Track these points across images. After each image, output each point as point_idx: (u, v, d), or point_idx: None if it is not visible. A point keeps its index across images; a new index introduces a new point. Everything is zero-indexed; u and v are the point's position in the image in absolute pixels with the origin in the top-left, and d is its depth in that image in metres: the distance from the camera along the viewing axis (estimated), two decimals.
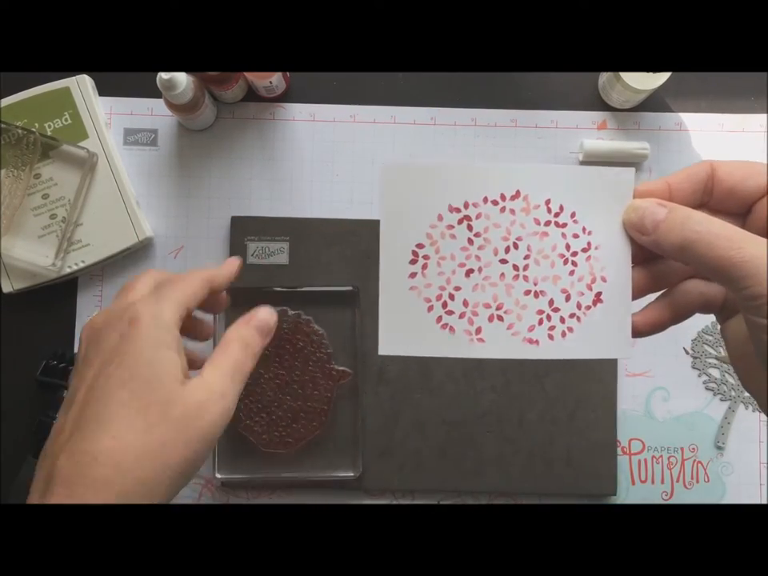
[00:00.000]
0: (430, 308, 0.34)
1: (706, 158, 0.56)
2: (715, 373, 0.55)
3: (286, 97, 0.57)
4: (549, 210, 0.34)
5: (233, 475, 0.53)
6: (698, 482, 0.54)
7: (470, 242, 0.34)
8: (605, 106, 0.56)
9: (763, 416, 0.55)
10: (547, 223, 0.34)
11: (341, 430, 0.53)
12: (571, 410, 0.53)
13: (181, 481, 0.35)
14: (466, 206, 0.34)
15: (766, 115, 0.56)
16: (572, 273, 0.34)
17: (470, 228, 0.34)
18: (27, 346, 0.55)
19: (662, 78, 0.52)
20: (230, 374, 0.37)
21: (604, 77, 0.55)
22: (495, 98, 0.57)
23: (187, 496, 0.54)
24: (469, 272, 0.34)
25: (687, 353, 0.55)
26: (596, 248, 0.34)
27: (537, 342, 0.34)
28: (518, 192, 0.34)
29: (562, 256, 0.34)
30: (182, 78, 0.50)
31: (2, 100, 0.53)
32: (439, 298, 0.34)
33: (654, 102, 0.56)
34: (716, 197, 0.34)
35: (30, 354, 0.55)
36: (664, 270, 0.35)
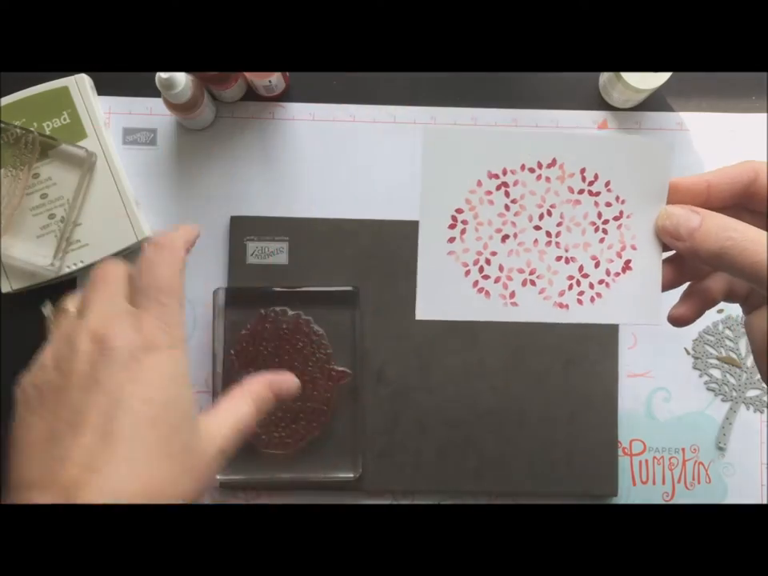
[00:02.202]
0: (467, 272, 0.35)
1: (706, 157, 0.56)
2: (716, 373, 0.55)
3: (285, 96, 0.57)
4: (583, 179, 0.35)
5: (232, 476, 0.53)
6: (699, 482, 0.54)
7: (507, 208, 0.35)
8: (605, 106, 0.56)
9: (764, 416, 0.55)
10: (581, 191, 0.35)
11: (340, 430, 0.53)
12: (572, 411, 0.53)
13: None
14: (504, 172, 0.35)
15: (766, 115, 0.56)
16: (602, 240, 0.35)
17: (507, 194, 0.35)
18: (26, 346, 0.55)
19: (663, 77, 0.52)
20: (234, 429, 0.36)
21: (605, 76, 0.55)
22: (495, 97, 0.57)
23: None
24: (504, 237, 0.35)
25: (688, 353, 0.55)
26: (628, 216, 0.35)
27: (567, 306, 0.35)
28: (554, 160, 0.35)
29: (593, 224, 0.35)
30: (180, 78, 0.49)
31: (1, 99, 0.53)
32: (476, 262, 0.35)
33: (654, 102, 0.56)
34: (756, 201, 0.34)
35: (30, 354, 0.54)
36: (691, 264, 0.36)
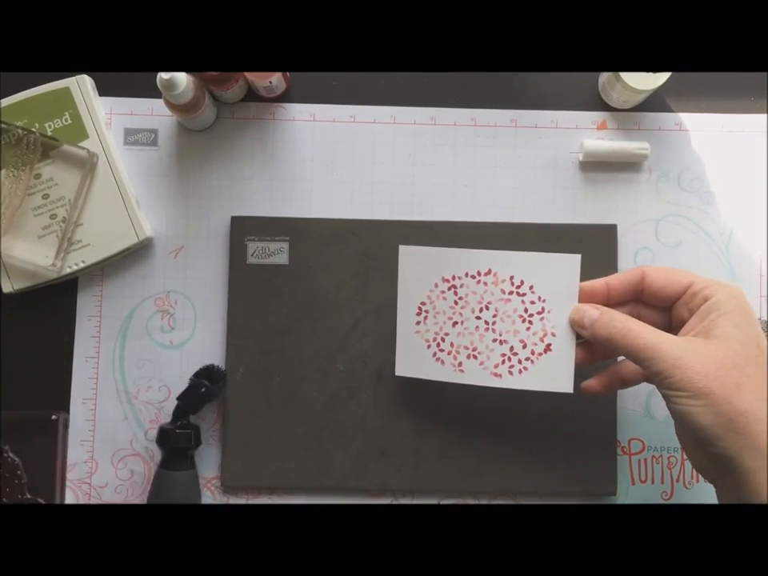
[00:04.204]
0: (428, 346, 0.48)
1: (705, 158, 0.56)
2: None
3: (286, 97, 0.57)
4: (512, 284, 0.46)
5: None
6: (698, 481, 0.54)
7: (456, 302, 0.48)
8: (605, 106, 0.56)
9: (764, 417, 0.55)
10: (510, 293, 0.46)
11: (342, 430, 0.53)
12: (571, 410, 0.53)
13: None
14: (454, 278, 0.48)
15: (766, 115, 0.56)
16: (528, 329, 0.46)
17: (455, 293, 0.48)
18: (27, 346, 0.55)
19: (662, 78, 0.52)
20: None
21: (604, 77, 0.55)
22: (495, 97, 0.57)
23: None
24: (454, 323, 0.48)
25: None
26: (548, 311, 0.46)
27: (500, 375, 0.47)
28: (489, 270, 0.47)
29: (521, 316, 0.46)
30: (182, 78, 0.50)
31: (2, 100, 0.53)
32: (435, 339, 0.48)
33: (654, 102, 0.56)
34: (645, 296, 0.45)
35: (30, 354, 0.55)
36: (599, 348, 0.46)
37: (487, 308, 0.47)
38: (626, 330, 0.41)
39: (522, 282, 0.46)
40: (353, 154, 0.56)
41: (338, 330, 0.54)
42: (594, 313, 0.43)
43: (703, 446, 0.39)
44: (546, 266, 0.45)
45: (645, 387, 0.54)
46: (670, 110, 0.56)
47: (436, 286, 0.48)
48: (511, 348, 0.46)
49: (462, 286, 0.47)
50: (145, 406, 0.54)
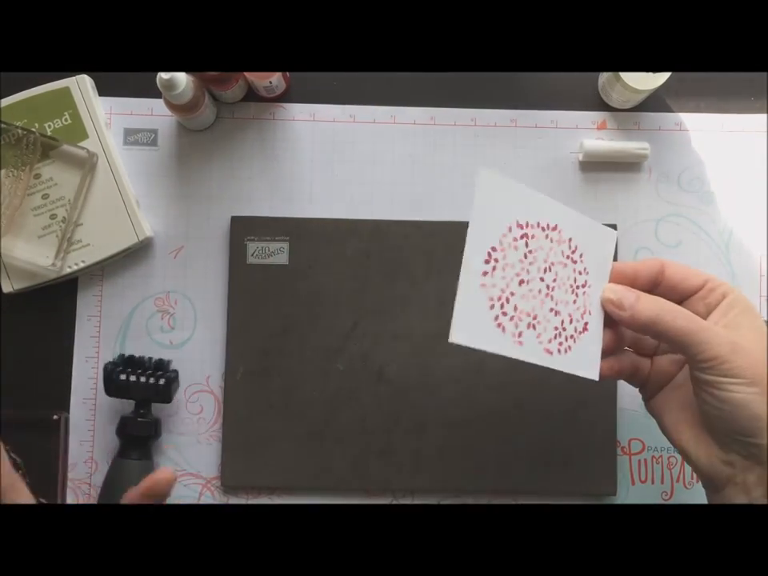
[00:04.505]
0: (492, 306, 0.37)
1: (705, 158, 0.56)
2: None
3: (286, 97, 0.57)
4: (569, 247, 0.40)
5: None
6: (698, 481, 0.54)
7: (525, 256, 0.39)
8: (605, 106, 0.56)
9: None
10: (567, 257, 0.40)
11: (342, 430, 0.53)
12: (571, 410, 0.53)
13: None
14: (527, 225, 0.39)
15: (766, 115, 0.56)
16: (575, 302, 0.41)
17: (526, 245, 0.39)
18: (27, 346, 0.55)
19: (662, 78, 0.52)
20: None
21: (604, 77, 0.55)
22: (495, 97, 0.57)
23: (187, 496, 0.54)
24: (521, 282, 0.38)
25: None
26: (589, 286, 0.41)
27: (551, 352, 0.40)
28: (556, 226, 0.40)
29: (572, 287, 0.40)
30: (181, 78, 0.50)
31: (2, 100, 0.53)
32: (499, 299, 0.38)
33: (653, 102, 0.56)
34: (662, 287, 0.43)
35: (30, 354, 0.55)
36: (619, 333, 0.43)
37: (550, 269, 0.39)
38: (676, 312, 0.39)
39: (576, 248, 0.41)
40: (353, 154, 0.56)
41: (338, 330, 0.54)
42: (632, 295, 0.41)
43: (745, 436, 0.38)
44: (592, 235, 0.41)
45: None
46: (669, 110, 0.56)
47: (509, 230, 0.38)
48: (562, 321, 0.40)
49: (533, 237, 0.39)
50: None
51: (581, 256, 0.40)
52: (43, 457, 0.52)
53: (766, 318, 0.55)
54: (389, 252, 0.54)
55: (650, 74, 0.51)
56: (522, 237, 0.38)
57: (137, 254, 0.55)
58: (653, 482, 0.54)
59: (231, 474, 0.53)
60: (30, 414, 0.53)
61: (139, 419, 0.52)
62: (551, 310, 0.39)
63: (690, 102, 0.56)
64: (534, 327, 0.39)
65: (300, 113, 0.56)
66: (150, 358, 0.53)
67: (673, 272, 0.43)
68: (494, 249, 0.37)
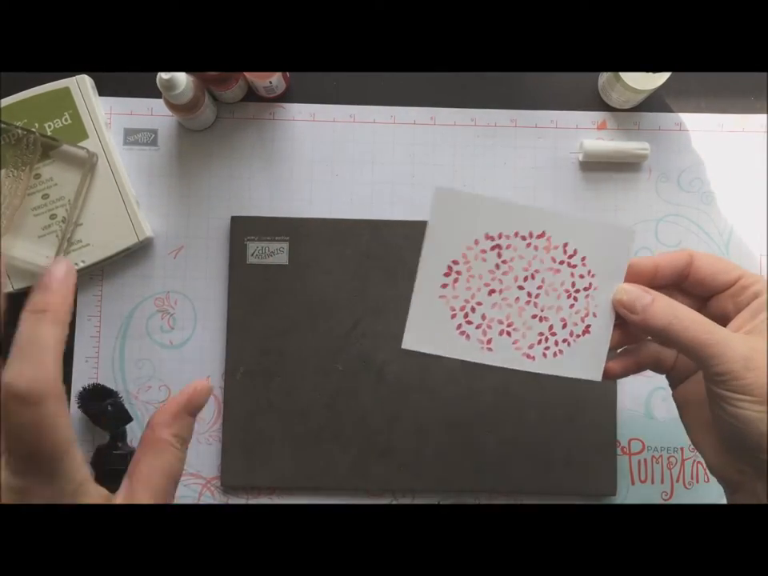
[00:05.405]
0: (453, 315, 0.39)
1: (705, 158, 0.56)
2: None
3: (286, 97, 0.57)
4: (565, 252, 0.40)
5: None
6: (697, 481, 0.54)
7: (497, 267, 0.39)
8: (605, 106, 0.56)
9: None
10: (561, 262, 0.40)
11: (342, 430, 0.53)
12: (571, 410, 0.53)
13: None
14: (500, 236, 0.39)
15: (766, 115, 0.56)
16: (572, 306, 0.40)
17: (499, 255, 0.39)
18: None
19: (662, 78, 0.52)
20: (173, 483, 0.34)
21: (604, 77, 0.55)
22: (495, 98, 0.57)
23: (187, 496, 0.54)
24: (491, 292, 0.40)
25: None
26: (594, 288, 0.40)
27: (533, 357, 0.41)
28: (543, 232, 0.39)
29: (567, 291, 0.40)
30: (181, 78, 0.50)
31: (2, 100, 0.53)
32: (462, 308, 0.39)
33: (653, 102, 0.56)
34: (689, 282, 0.40)
35: None
36: (635, 332, 0.42)
37: (533, 277, 0.40)
38: (688, 322, 0.37)
39: (575, 252, 0.40)
40: (353, 154, 0.56)
41: (338, 329, 0.54)
42: (645, 297, 0.39)
43: (752, 451, 0.37)
44: (600, 237, 0.40)
45: (645, 387, 0.55)
46: (669, 110, 0.56)
47: (476, 243, 0.39)
48: (550, 327, 0.41)
49: (508, 247, 0.39)
50: (145, 406, 0.54)
51: (582, 259, 0.40)
52: None
53: None
54: (389, 252, 0.54)
55: (650, 74, 0.51)
56: (492, 248, 0.39)
57: (137, 254, 0.55)
58: (653, 482, 0.54)
59: (231, 474, 0.53)
60: None
61: (113, 451, 0.51)
62: (534, 316, 0.40)
63: (690, 102, 0.56)
64: (508, 334, 0.40)
65: (300, 113, 0.56)
66: (95, 385, 0.53)
67: (702, 265, 0.40)
68: (455, 262, 0.39)
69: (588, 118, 0.56)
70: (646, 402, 0.54)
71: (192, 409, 0.35)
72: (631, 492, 0.54)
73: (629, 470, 0.54)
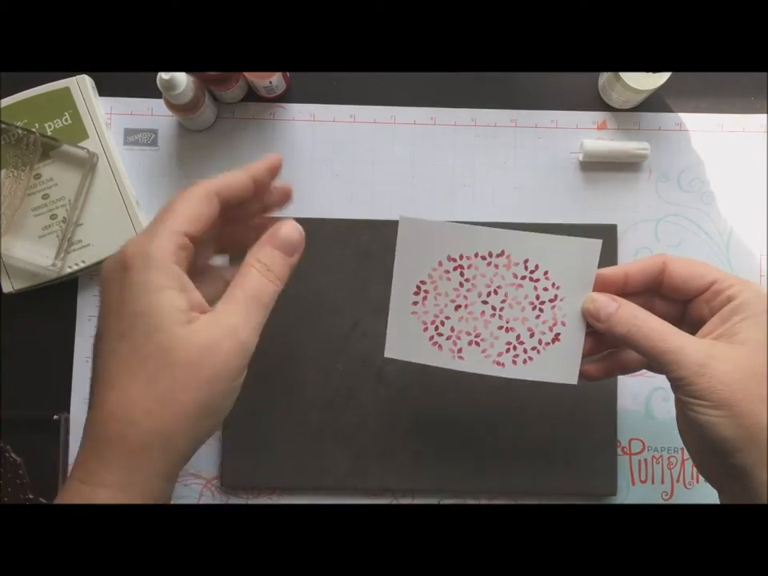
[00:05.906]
0: (425, 329, 0.44)
1: (705, 158, 0.56)
2: None
3: (286, 97, 0.57)
4: (526, 268, 0.43)
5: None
6: (698, 481, 0.54)
7: (461, 284, 0.44)
8: (605, 106, 0.56)
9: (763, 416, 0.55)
10: (523, 278, 0.43)
11: (342, 430, 0.53)
12: (571, 410, 0.53)
13: (201, 427, 0.34)
14: (461, 257, 0.43)
15: (766, 115, 0.56)
16: (538, 317, 0.43)
17: (462, 275, 0.43)
18: (27, 346, 0.55)
19: (662, 78, 0.52)
20: (245, 304, 0.36)
21: (604, 77, 0.55)
22: (495, 98, 0.57)
23: (187, 496, 0.54)
24: (457, 307, 0.44)
25: None
26: (561, 299, 0.43)
27: (503, 364, 0.44)
28: (502, 251, 0.43)
29: (532, 303, 0.43)
30: (182, 78, 0.50)
31: (2, 100, 0.53)
32: (433, 322, 0.44)
33: (654, 102, 0.56)
34: (664, 288, 0.42)
35: (30, 354, 0.55)
36: (609, 339, 0.43)
37: (496, 292, 0.43)
38: (647, 330, 0.38)
39: (537, 267, 0.43)
40: (353, 154, 0.56)
41: (338, 330, 0.54)
42: (611, 305, 0.40)
43: (717, 455, 0.37)
44: (564, 251, 0.42)
45: (645, 387, 0.55)
46: (669, 110, 0.56)
47: (440, 264, 0.43)
48: (518, 336, 0.44)
49: (469, 267, 0.43)
50: None
51: (545, 273, 0.43)
52: (43, 457, 0.52)
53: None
54: (389, 252, 0.54)
55: (650, 74, 0.51)
56: (455, 269, 0.43)
57: None
58: (653, 482, 0.54)
59: (231, 474, 0.53)
60: (30, 413, 0.53)
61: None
62: (500, 327, 0.44)
63: (690, 102, 0.56)
64: (477, 344, 0.44)
65: (300, 113, 0.56)
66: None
67: (674, 272, 0.41)
68: (422, 282, 0.44)
69: (588, 117, 0.56)
70: (647, 402, 0.54)
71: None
72: (631, 492, 0.54)
73: (629, 469, 0.54)
